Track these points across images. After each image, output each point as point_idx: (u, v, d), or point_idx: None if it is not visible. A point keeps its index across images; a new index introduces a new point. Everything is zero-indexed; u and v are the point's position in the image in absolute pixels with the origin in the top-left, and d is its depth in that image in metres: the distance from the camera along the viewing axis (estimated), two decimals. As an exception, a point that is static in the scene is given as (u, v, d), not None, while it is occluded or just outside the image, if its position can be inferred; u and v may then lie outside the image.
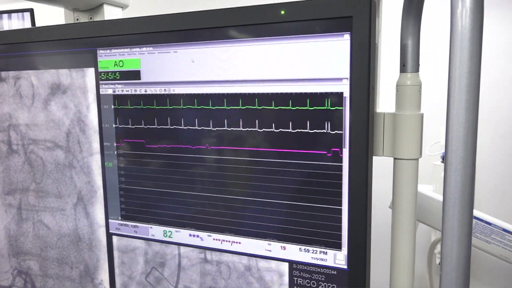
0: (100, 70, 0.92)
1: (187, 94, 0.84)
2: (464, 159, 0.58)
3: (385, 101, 0.93)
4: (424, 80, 0.75)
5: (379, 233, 1.03)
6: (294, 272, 0.81)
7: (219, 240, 0.87)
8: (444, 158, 1.67)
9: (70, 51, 0.95)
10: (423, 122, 0.74)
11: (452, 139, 0.58)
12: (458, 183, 0.58)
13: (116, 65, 0.90)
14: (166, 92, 0.86)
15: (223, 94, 0.81)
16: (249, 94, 0.79)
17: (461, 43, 0.55)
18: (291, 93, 0.76)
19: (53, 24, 0.99)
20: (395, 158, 0.76)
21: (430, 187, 1.65)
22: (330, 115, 0.74)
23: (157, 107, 0.88)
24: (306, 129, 0.76)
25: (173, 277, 0.93)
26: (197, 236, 0.89)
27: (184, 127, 0.86)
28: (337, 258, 0.77)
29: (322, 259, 0.79)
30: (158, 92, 0.87)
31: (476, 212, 1.12)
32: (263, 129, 0.79)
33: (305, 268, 0.80)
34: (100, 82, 0.93)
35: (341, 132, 0.73)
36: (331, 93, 0.73)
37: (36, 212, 1.07)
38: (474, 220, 1.11)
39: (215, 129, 0.83)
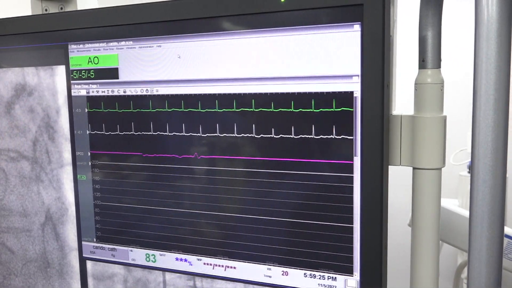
0: (71, 68, 0.92)
1: (172, 95, 0.85)
2: (493, 168, 0.58)
3: (402, 102, 0.93)
4: (447, 78, 0.76)
5: (397, 255, 1.03)
6: (298, 302, 0.81)
7: (211, 264, 0.87)
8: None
9: (37, 46, 0.95)
10: (446, 126, 0.74)
11: (479, 145, 0.58)
12: (486, 196, 0.58)
13: (91, 62, 0.91)
14: (148, 93, 0.86)
15: (214, 95, 0.81)
16: (244, 94, 0.79)
17: (488, 34, 0.56)
18: (293, 93, 0.76)
19: (17, 15, 0.99)
20: (414, 168, 0.76)
21: (456, 202, 1.65)
22: (339, 118, 0.74)
23: (137, 111, 0.88)
24: (311, 134, 0.76)
25: (157, 309, 0.93)
26: (185, 260, 0.89)
27: (170, 134, 0.86)
28: (348, 285, 0.77)
29: (330, 286, 0.78)
30: (139, 93, 0.87)
31: (507, 230, 1.12)
32: (261, 135, 0.79)
33: (311, 296, 0.80)
34: (72, 82, 0.93)
35: (351, 138, 0.73)
36: (340, 93, 0.73)
37: (-3, 234, 1.07)
38: (506, 239, 1.11)
39: (206, 135, 0.83)
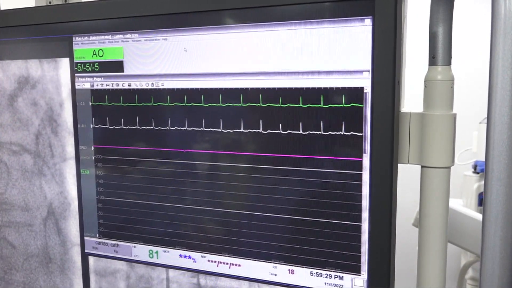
0: (76, 60, 0.92)
1: (178, 89, 0.84)
2: (509, 166, 0.57)
3: (411, 100, 0.92)
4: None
5: (403, 255, 1.02)
6: (304, 300, 0.81)
7: (215, 262, 0.86)
8: (476, 168, 1.66)
9: (41, 38, 0.95)
10: (455, 124, 0.74)
11: (494, 142, 0.57)
12: (500, 195, 0.58)
13: (95, 54, 0.90)
14: (154, 87, 0.86)
15: (221, 89, 0.81)
16: (252, 89, 0.78)
17: (505, 29, 0.55)
18: (302, 88, 0.75)
19: (21, 7, 0.98)
20: (422, 166, 0.75)
21: (460, 202, 1.65)
22: (348, 115, 0.73)
23: (142, 105, 0.87)
24: (320, 131, 0.75)
25: (159, 306, 0.93)
26: (189, 257, 0.88)
27: (175, 128, 0.85)
28: (355, 284, 0.77)
29: (337, 285, 0.78)
30: (144, 87, 0.86)
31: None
32: (268, 131, 0.78)
33: (317, 295, 0.79)
34: (76, 74, 0.92)
35: (361, 134, 0.73)
36: (350, 88, 0.72)
37: (-1, 228, 1.06)
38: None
39: (211, 130, 0.83)
